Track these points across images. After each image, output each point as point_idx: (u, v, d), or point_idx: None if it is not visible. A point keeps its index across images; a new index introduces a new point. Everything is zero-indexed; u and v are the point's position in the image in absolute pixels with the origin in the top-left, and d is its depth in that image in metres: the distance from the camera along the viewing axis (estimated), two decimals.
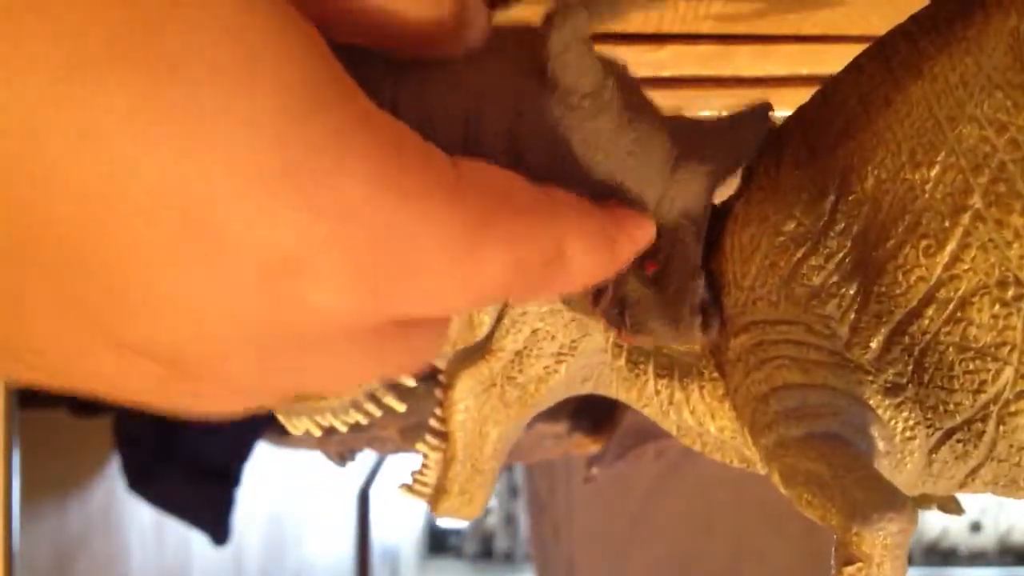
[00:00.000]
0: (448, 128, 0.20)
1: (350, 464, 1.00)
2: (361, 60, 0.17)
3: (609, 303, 0.25)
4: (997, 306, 0.23)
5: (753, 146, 0.25)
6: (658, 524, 1.21)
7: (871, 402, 0.24)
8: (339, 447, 0.96)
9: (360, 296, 0.15)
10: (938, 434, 0.24)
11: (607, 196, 0.22)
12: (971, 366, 0.24)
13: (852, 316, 0.24)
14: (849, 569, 0.22)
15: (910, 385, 0.24)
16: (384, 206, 0.14)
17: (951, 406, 0.24)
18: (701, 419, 0.28)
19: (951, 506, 0.31)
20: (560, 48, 0.21)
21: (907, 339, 0.24)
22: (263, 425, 1.00)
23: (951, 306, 0.23)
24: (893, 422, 0.24)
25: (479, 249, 0.16)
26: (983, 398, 0.24)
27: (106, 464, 1.06)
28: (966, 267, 0.23)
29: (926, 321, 0.24)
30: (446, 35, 0.18)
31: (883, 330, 0.24)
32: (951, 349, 0.24)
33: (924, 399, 0.24)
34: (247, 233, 0.13)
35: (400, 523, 2.28)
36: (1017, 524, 2.48)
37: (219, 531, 1.05)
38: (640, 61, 0.52)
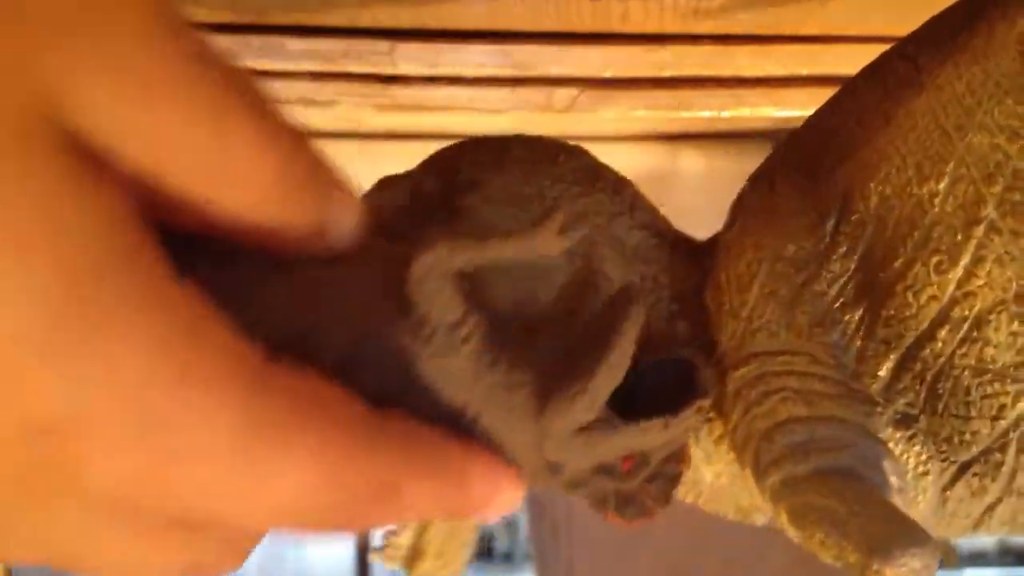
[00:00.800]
0: (285, 329, 0.18)
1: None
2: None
3: (614, 511, 0.24)
4: (1016, 323, 0.22)
5: (633, 339, 0.22)
6: (658, 524, 1.20)
7: (881, 435, 0.23)
8: None
9: (126, 470, 0.14)
10: (953, 468, 0.23)
11: (466, 431, 0.20)
12: (988, 390, 0.22)
13: (859, 343, 0.23)
14: None
15: (922, 416, 0.23)
16: (158, 383, 0.14)
17: (967, 436, 0.23)
18: (696, 465, 0.26)
19: (947, 555, 0.31)
20: (421, 275, 0.19)
21: (919, 365, 0.23)
22: None
23: (966, 326, 0.22)
24: (905, 456, 0.23)
25: (268, 457, 0.15)
26: (1002, 425, 0.22)
27: None
28: (981, 283, 0.22)
29: (939, 344, 0.22)
30: (301, 235, 0.17)
31: (892, 356, 0.23)
32: (967, 373, 0.22)
33: (938, 430, 0.23)
34: (9, 393, 0.13)
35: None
36: None
37: None
38: (640, 61, 0.52)
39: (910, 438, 0.23)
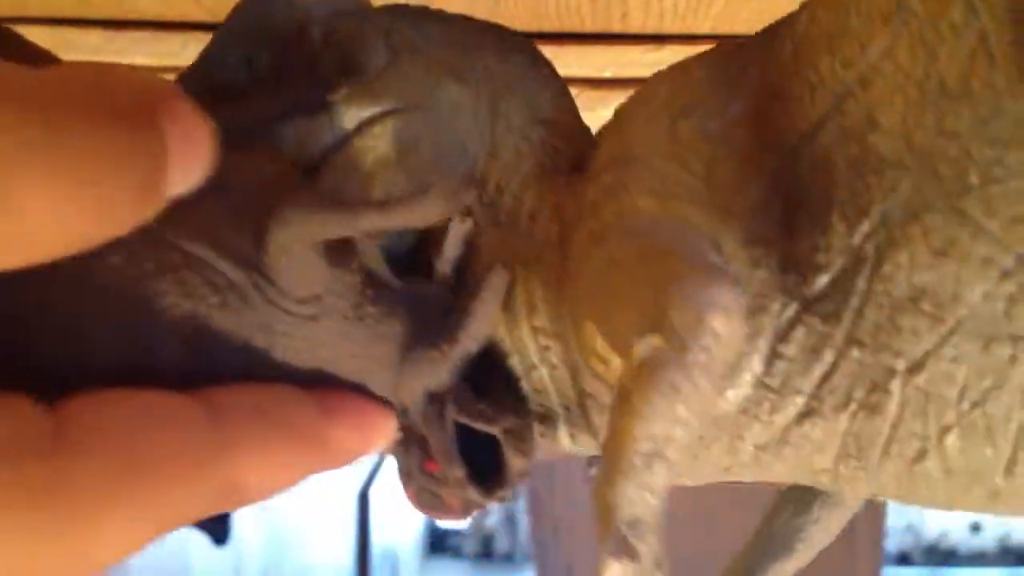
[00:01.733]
0: (110, 330, 0.17)
1: (350, 464, 0.99)
2: None
3: (455, 506, 0.23)
4: (911, 108, 0.19)
5: (492, 315, 0.22)
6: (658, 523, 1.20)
7: (727, 249, 0.20)
8: None
9: None
10: (794, 307, 0.20)
11: (326, 381, 0.20)
12: (859, 185, 0.19)
13: (735, 163, 0.21)
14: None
15: (779, 241, 0.20)
16: None
17: (820, 253, 0.20)
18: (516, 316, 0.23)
19: None
20: (277, 249, 0.18)
21: (792, 178, 0.21)
22: None
23: (855, 117, 0.20)
24: (745, 281, 0.20)
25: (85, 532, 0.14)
26: (862, 230, 0.19)
27: None
28: (888, 69, 0.19)
29: (821, 144, 0.20)
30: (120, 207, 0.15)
31: (769, 167, 0.21)
32: (841, 164, 0.20)
33: (789, 254, 0.20)
34: None
35: (400, 523, 2.28)
36: (1017, 525, 2.48)
37: (219, 531, 1.05)
38: (640, 61, 0.52)
39: (756, 260, 0.20)
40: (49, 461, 0.14)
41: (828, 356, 0.20)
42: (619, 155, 0.23)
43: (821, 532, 0.27)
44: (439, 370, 0.21)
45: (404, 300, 0.21)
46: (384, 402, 0.21)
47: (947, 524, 2.52)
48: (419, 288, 0.22)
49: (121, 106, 0.14)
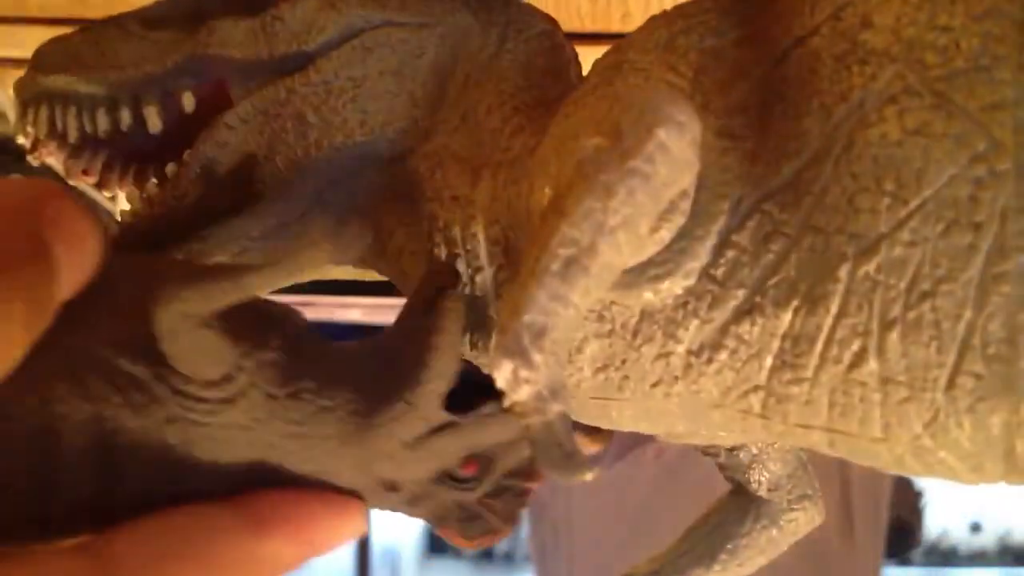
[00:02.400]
0: (9, 451, 0.16)
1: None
2: None
3: (458, 531, 0.20)
4: (907, 7, 0.19)
5: (459, 333, 0.20)
6: (658, 524, 1.21)
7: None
8: None
9: None
10: (754, 196, 0.20)
11: (268, 482, 0.18)
12: (843, 74, 0.19)
13: (723, 72, 0.21)
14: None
15: (750, 138, 0.20)
16: None
17: (792, 141, 0.20)
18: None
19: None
20: (167, 332, 0.17)
21: (777, 79, 0.20)
22: None
23: (850, 21, 0.20)
24: (711, 166, 0.20)
25: None
26: (838, 113, 0.19)
27: None
28: None
29: (811, 46, 0.20)
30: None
31: (756, 74, 0.21)
32: (826, 62, 0.20)
33: (759, 147, 0.20)
34: None
35: (400, 523, 2.28)
36: (1017, 524, 2.48)
37: None
38: None
39: (724, 150, 0.20)
40: None
41: (779, 245, 0.20)
42: (611, 64, 0.23)
43: (750, 548, 0.26)
44: (411, 421, 0.19)
45: (346, 361, 0.19)
46: (347, 489, 0.19)
47: (947, 524, 2.52)
48: (362, 347, 0.20)
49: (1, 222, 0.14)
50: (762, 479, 0.26)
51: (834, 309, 0.19)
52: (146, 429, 0.17)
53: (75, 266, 0.15)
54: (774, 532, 0.26)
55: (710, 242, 0.20)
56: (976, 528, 2.52)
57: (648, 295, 0.21)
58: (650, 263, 0.20)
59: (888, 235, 0.19)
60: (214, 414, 0.18)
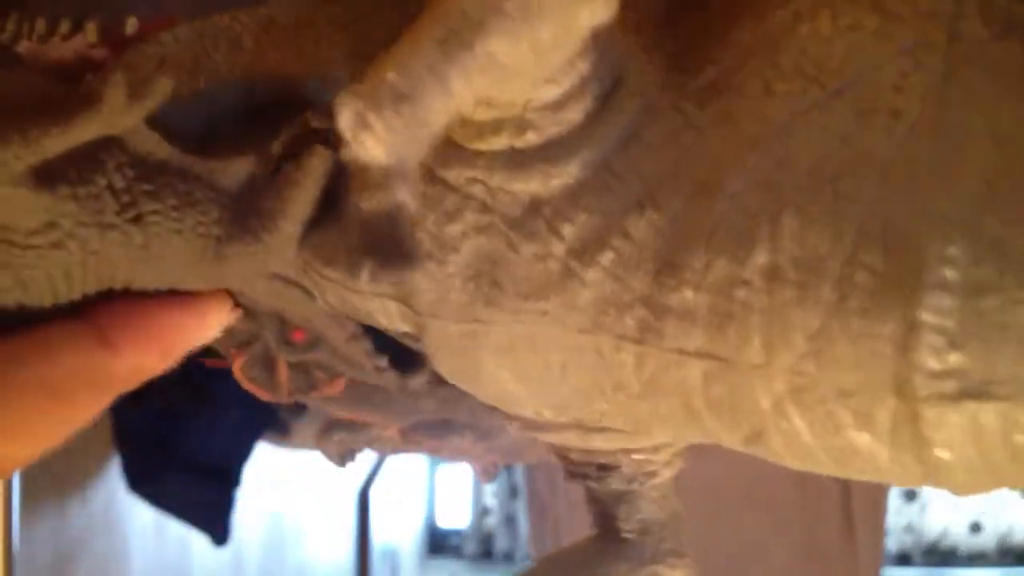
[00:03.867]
0: None
1: (350, 464, 1.00)
2: None
3: (287, 381, 0.21)
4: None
5: (315, 179, 0.20)
6: None
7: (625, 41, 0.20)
8: (339, 447, 0.96)
9: None
10: (670, 97, 0.20)
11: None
12: None
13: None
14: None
15: (675, 46, 0.20)
16: None
17: (717, 50, 0.20)
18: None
19: None
20: None
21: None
22: (263, 425, 1.00)
23: None
24: (630, 73, 0.20)
25: None
26: (773, 18, 0.19)
27: (106, 464, 1.06)
28: None
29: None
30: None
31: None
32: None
33: (684, 55, 0.20)
34: None
35: (400, 523, 2.28)
36: (1017, 524, 2.48)
37: (219, 531, 1.05)
38: None
39: (648, 60, 0.20)
40: None
41: (688, 138, 0.19)
42: None
43: None
44: (266, 256, 0.19)
45: (208, 183, 0.19)
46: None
47: (947, 524, 2.51)
48: (228, 167, 0.20)
49: None
50: (633, 517, 0.24)
51: (731, 190, 0.18)
52: None
53: None
54: None
55: (615, 134, 0.19)
56: (976, 528, 2.52)
57: (537, 181, 0.19)
58: (548, 144, 0.19)
59: (802, 114, 0.18)
60: (44, 258, 0.17)
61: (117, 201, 0.18)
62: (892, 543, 2.49)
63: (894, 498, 2.41)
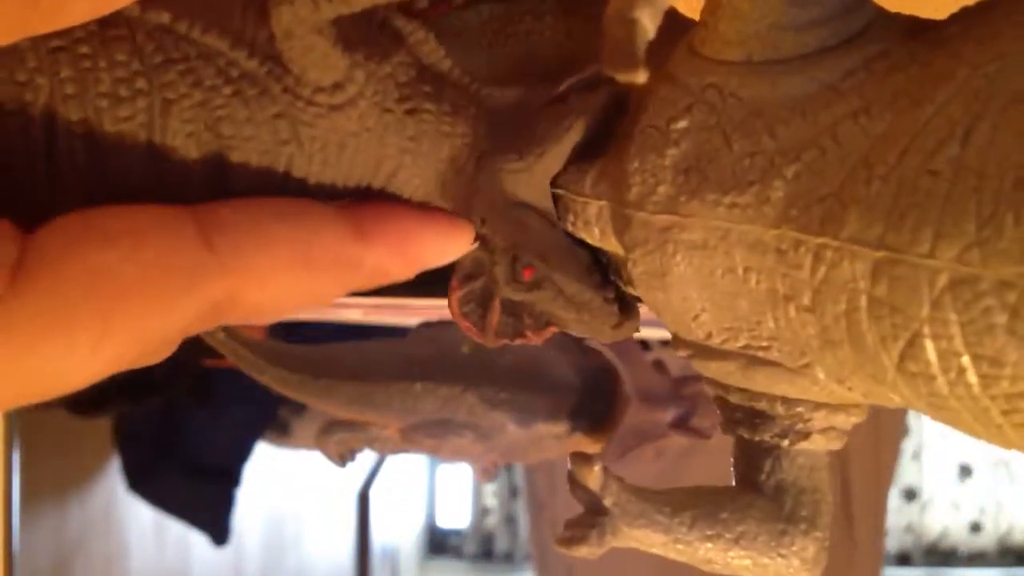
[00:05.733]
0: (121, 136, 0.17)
1: (350, 464, 1.00)
2: None
3: (496, 323, 0.22)
4: None
5: (594, 112, 0.21)
6: None
7: None
8: (339, 447, 0.96)
9: None
10: (901, 43, 0.21)
11: (375, 190, 0.19)
12: None
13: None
14: None
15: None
16: None
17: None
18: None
19: None
20: (284, 33, 0.17)
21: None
22: (263, 425, 1.00)
23: None
24: (885, 26, 0.21)
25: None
26: None
27: (106, 464, 1.06)
28: None
29: None
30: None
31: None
32: None
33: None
34: None
35: (400, 523, 2.28)
36: (1017, 524, 2.48)
37: (219, 531, 1.05)
38: None
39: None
40: (10, 284, 0.14)
41: (914, 71, 0.20)
42: None
43: (749, 543, 0.24)
44: (521, 180, 0.20)
45: (480, 102, 0.20)
46: (452, 212, 0.20)
47: (947, 524, 2.52)
48: (502, 91, 0.21)
49: None
50: (775, 474, 0.25)
51: (940, 100, 0.18)
52: (255, 121, 0.17)
53: None
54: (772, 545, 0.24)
55: (845, 66, 0.20)
56: (976, 528, 2.52)
57: (767, 87, 0.21)
58: (783, 60, 0.21)
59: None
60: (322, 117, 0.18)
61: (398, 90, 0.19)
62: (892, 543, 2.49)
63: (894, 498, 2.41)
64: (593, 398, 0.74)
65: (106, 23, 0.16)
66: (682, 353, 0.25)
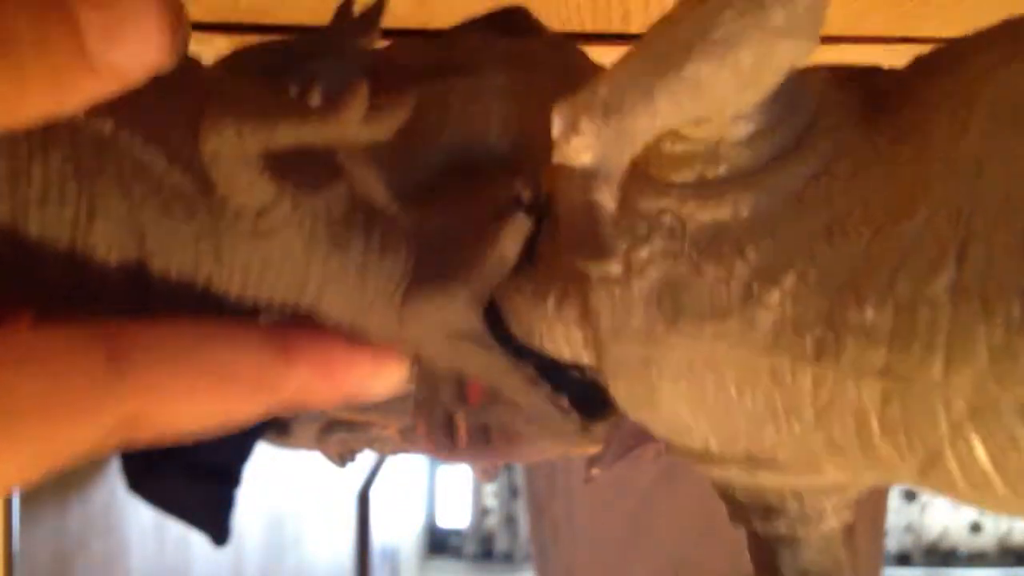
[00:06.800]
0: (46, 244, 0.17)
1: (350, 464, 1.00)
2: None
3: (466, 440, 0.22)
4: None
5: (516, 248, 0.21)
6: (658, 524, 1.21)
7: None
8: (339, 447, 0.96)
9: None
10: (864, 139, 0.20)
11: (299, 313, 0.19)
12: None
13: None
14: None
15: (882, 118, 0.21)
16: None
17: (920, 111, 0.20)
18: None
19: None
20: (210, 157, 0.17)
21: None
22: (263, 425, 1.00)
23: None
24: (841, 129, 0.20)
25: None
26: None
27: (106, 464, 1.06)
28: None
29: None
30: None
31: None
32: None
33: (886, 124, 0.20)
34: None
35: (400, 523, 2.28)
36: (1017, 524, 2.48)
37: (219, 531, 1.05)
38: None
39: (868, 128, 0.21)
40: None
41: (879, 172, 0.19)
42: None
43: None
44: (454, 304, 0.20)
45: (410, 234, 0.20)
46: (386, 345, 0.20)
47: (947, 524, 2.52)
48: (430, 222, 0.21)
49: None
50: (796, 564, 0.24)
51: (923, 216, 0.18)
52: (178, 236, 0.17)
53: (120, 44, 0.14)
54: None
55: (805, 171, 0.20)
56: (976, 528, 2.52)
57: (727, 209, 0.20)
58: (738, 176, 0.20)
59: (996, 152, 0.18)
60: (246, 241, 0.18)
61: (328, 223, 0.19)
62: (892, 543, 2.49)
63: (894, 498, 2.41)
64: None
65: (49, 126, 0.16)
66: (680, 459, 0.24)
